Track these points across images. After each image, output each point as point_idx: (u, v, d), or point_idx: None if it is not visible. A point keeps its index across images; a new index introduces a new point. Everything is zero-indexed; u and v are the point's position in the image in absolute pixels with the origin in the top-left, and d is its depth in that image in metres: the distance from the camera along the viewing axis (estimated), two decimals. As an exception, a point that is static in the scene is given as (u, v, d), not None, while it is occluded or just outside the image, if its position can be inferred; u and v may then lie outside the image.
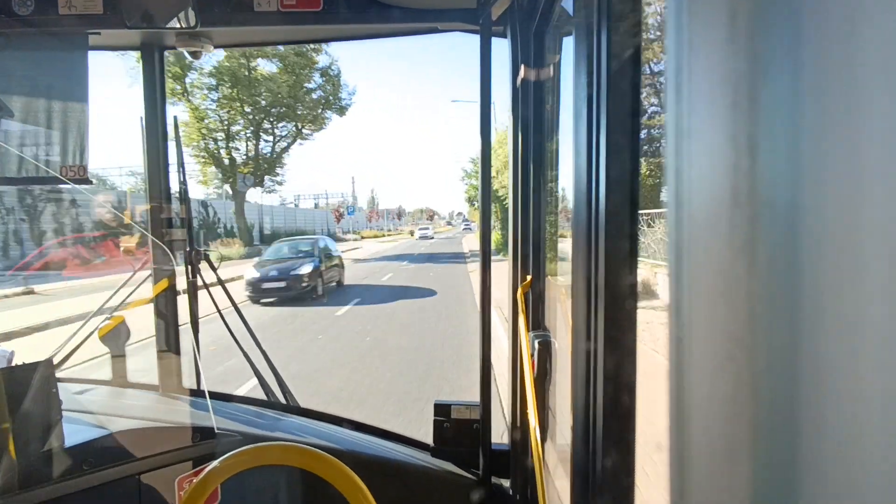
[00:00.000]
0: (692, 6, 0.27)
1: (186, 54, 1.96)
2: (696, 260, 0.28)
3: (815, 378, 0.22)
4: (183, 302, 2.07)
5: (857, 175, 0.21)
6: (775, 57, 0.24)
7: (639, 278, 0.86)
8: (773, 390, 0.24)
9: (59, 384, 1.50)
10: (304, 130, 32.21)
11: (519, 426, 1.82)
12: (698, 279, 0.27)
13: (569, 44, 1.19)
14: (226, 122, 29.39)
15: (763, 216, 0.24)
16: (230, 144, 30.36)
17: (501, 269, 1.90)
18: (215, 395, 1.97)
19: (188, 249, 2.01)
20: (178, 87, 26.56)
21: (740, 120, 0.25)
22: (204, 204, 31.55)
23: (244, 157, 31.39)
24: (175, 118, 2.03)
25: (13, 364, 1.54)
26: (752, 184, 0.24)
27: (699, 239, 0.27)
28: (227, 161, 30.37)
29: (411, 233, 65.88)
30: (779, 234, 0.24)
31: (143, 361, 2.26)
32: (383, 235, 68.00)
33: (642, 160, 0.87)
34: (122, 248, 2.05)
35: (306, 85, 30.45)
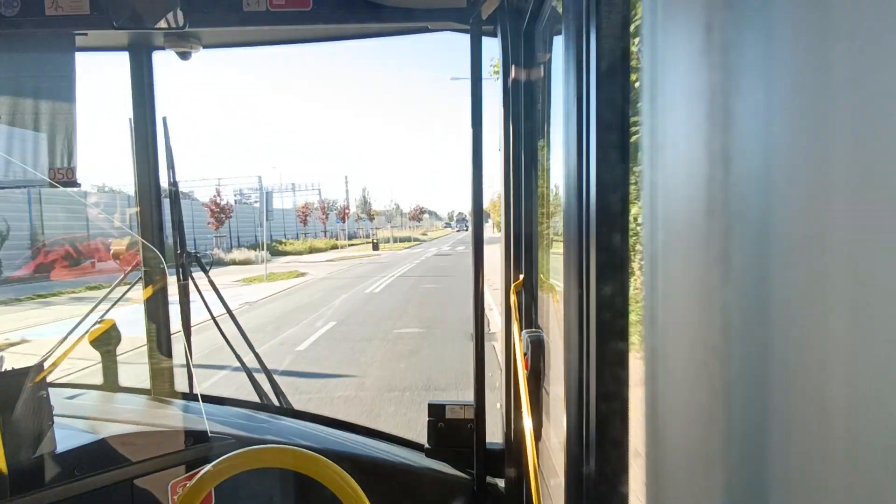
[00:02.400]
0: (666, 20, 0.27)
1: (175, 55, 1.95)
2: (671, 270, 0.28)
3: (788, 385, 0.22)
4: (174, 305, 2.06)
5: (828, 185, 0.21)
6: (749, 69, 0.24)
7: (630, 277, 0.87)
8: (746, 398, 0.24)
9: (50, 389, 1.49)
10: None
11: (513, 425, 1.82)
12: (673, 289, 0.28)
13: (559, 42, 1.20)
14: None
15: (737, 227, 0.24)
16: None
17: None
18: (208, 399, 1.97)
19: (179, 252, 2.01)
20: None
21: (715, 131, 0.25)
22: None
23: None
24: (164, 119, 2.02)
25: (3, 370, 1.53)
26: (725, 195, 0.25)
27: (673, 249, 0.28)
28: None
29: (374, 245, 37.82)
30: (752, 244, 0.24)
31: (134, 365, 2.23)
32: (313, 250, 37.12)
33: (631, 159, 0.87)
34: (112, 252, 2.04)
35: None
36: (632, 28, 0.85)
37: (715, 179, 0.25)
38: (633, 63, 0.85)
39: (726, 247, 0.25)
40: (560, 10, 1.16)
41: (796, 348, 0.22)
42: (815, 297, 0.21)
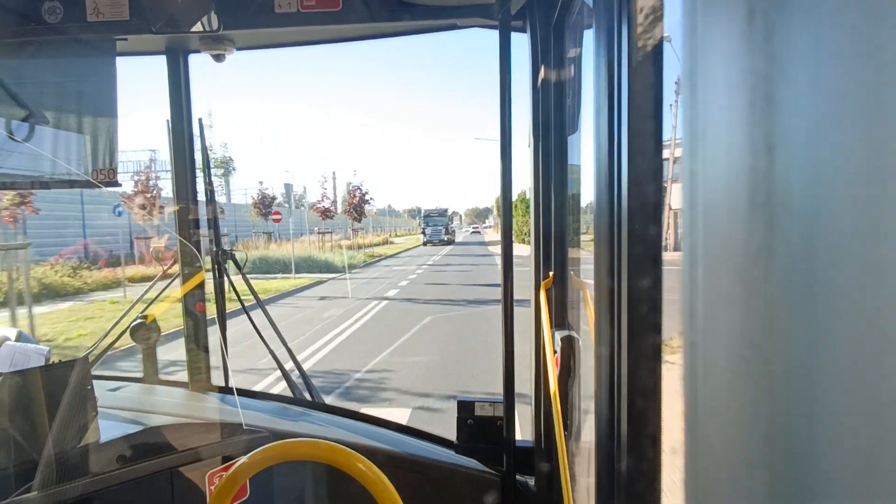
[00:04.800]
0: (706, 6, 0.27)
1: (210, 57, 2.00)
2: (712, 263, 0.27)
3: (833, 383, 0.22)
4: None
5: (877, 177, 0.20)
6: (793, 55, 0.23)
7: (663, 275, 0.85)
8: (789, 396, 0.23)
9: (95, 382, 1.55)
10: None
11: (543, 423, 1.81)
12: (714, 282, 0.27)
13: (589, 37, 1.18)
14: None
15: (781, 219, 0.24)
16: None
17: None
18: (242, 392, 2.02)
19: (215, 249, 2.06)
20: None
21: (757, 120, 0.24)
22: None
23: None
24: (200, 120, 2.07)
25: (50, 362, 1.60)
26: (769, 185, 0.24)
27: (715, 241, 0.27)
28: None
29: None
30: (797, 236, 0.23)
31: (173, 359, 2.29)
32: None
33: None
34: (151, 249, 2.11)
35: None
36: (665, 18, 0.83)
37: (758, 170, 0.24)
38: (666, 55, 0.83)
39: (770, 240, 0.24)
40: (590, 2, 1.14)
41: (844, 346, 0.21)
42: (864, 292, 0.21)
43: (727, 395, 0.26)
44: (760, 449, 0.25)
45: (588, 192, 1.68)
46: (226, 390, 2.08)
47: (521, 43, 1.82)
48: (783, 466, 0.24)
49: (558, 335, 1.66)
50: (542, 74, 1.73)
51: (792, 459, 0.23)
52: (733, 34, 0.25)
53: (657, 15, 0.81)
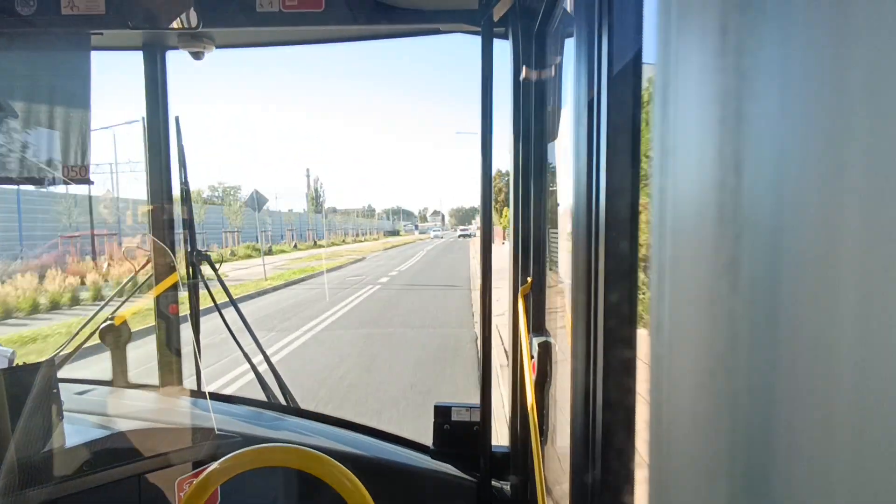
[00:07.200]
0: (681, 21, 0.27)
1: (189, 55, 1.97)
2: (679, 277, 0.27)
3: (795, 396, 0.22)
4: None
5: (843, 194, 0.20)
6: (764, 73, 0.23)
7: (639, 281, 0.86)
8: (752, 408, 0.24)
9: (60, 384, 1.50)
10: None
11: (519, 429, 1.81)
12: (680, 297, 0.27)
13: (570, 46, 1.19)
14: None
15: (747, 234, 0.24)
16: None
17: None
18: (215, 396, 1.98)
19: (189, 250, 2.02)
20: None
21: (727, 137, 0.24)
22: None
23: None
24: (177, 118, 2.03)
25: (14, 364, 1.55)
26: (737, 202, 0.24)
27: (682, 256, 0.27)
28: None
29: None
30: (763, 252, 0.23)
31: (144, 362, 2.23)
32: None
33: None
34: (124, 249, 2.06)
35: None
36: (644, 28, 0.84)
37: (726, 185, 0.24)
38: (644, 64, 0.84)
39: (736, 255, 0.24)
40: (572, 12, 1.15)
41: (804, 359, 0.22)
42: (825, 307, 0.21)
43: (691, 407, 0.26)
44: (723, 460, 0.25)
45: (567, 199, 1.69)
46: (198, 394, 2.04)
47: (503, 49, 1.83)
48: (744, 478, 0.24)
49: (535, 341, 1.66)
50: (523, 81, 1.74)
51: (753, 472, 0.24)
52: (706, 50, 0.25)
53: (637, 26, 0.82)
